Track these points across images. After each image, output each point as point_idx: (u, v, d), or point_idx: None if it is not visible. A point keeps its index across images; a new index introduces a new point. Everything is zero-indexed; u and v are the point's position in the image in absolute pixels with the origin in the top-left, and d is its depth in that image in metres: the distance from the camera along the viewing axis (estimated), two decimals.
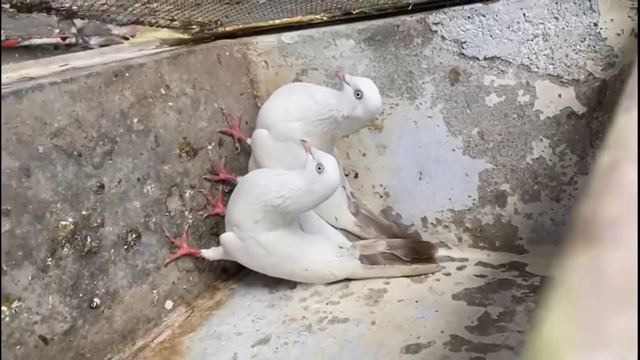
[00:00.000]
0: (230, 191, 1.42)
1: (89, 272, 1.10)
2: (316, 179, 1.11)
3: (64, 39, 2.25)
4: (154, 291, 1.24)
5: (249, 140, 1.43)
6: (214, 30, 1.51)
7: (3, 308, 0.96)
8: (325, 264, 1.28)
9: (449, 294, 1.19)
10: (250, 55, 1.47)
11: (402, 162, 1.35)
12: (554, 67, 1.11)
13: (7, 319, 0.96)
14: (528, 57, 1.13)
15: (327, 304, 1.24)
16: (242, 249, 1.23)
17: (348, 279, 1.31)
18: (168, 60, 1.28)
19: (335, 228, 1.37)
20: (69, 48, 2.33)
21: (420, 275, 1.28)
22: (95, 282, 1.11)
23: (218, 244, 1.38)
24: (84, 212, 1.09)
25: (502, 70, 1.17)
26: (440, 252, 1.35)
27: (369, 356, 1.03)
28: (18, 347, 0.98)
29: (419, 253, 1.30)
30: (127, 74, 1.18)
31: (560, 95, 1.12)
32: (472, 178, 1.28)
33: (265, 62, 1.46)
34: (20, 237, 0.98)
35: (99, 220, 1.12)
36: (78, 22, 2.28)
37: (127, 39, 1.98)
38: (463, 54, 1.20)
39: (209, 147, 1.38)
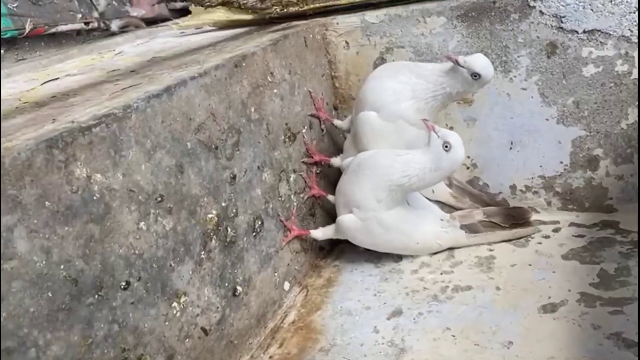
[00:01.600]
0: (321, 172, 1.46)
1: (230, 262, 1.13)
2: (443, 156, 1.16)
3: (87, 23, 2.17)
4: (276, 274, 1.27)
5: (335, 121, 1.46)
6: (289, 10, 1.51)
7: (174, 304, 0.98)
8: (434, 236, 1.34)
9: (558, 255, 1.28)
10: (329, 36, 1.49)
11: (492, 133, 1.42)
12: None
13: (178, 314, 0.99)
14: (629, 29, 1.20)
15: (441, 273, 1.30)
16: (362, 229, 1.27)
17: (451, 249, 1.37)
18: (271, 47, 1.28)
19: (431, 200, 1.42)
20: (89, 33, 2.25)
21: (520, 238, 1.36)
22: (235, 271, 1.14)
23: (316, 222, 1.43)
24: (223, 204, 1.11)
25: (601, 42, 1.23)
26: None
27: (510, 318, 1.11)
28: (187, 340, 1.00)
29: (516, 218, 1.37)
30: (244, 64, 1.18)
31: None
32: (565, 145, 1.35)
33: (346, 42, 1.48)
34: (181, 234, 1.00)
35: (234, 211, 1.14)
36: (100, 6, 2.20)
37: (164, 20, 1.93)
38: (562, 27, 1.25)
39: (303, 130, 1.41)
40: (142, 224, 0.92)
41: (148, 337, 0.92)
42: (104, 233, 0.85)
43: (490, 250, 1.35)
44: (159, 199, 0.95)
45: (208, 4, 1.35)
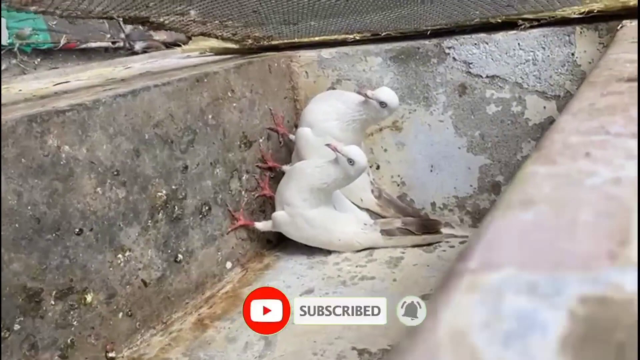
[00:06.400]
0: (275, 177, 1.75)
1: (175, 234, 1.41)
2: (350, 168, 1.43)
3: (113, 43, 2.55)
4: (219, 253, 1.55)
5: (291, 136, 1.75)
6: (263, 43, 1.82)
7: (119, 255, 1.27)
8: (353, 235, 1.60)
9: (454, 260, 1.51)
10: (293, 66, 1.79)
11: (417, 157, 1.68)
12: (540, 85, 1.44)
13: (122, 264, 1.27)
14: (521, 77, 1.46)
15: (356, 266, 1.55)
16: (291, 224, 1.55)
17: (372, 248, 1.63)
18: (234, 69, 1.59)
19: (360, 208, 1.69)
20: (116, 51, 2.64)
21: (429, 244, 1.60)
22: (179, 242, 1.42)
23: (265, 218, 1.70)
24: (173, 187, 1.40)
25: (500, 86, 1.49)
26: (445, 231, 1.66)
27: (394, 302, 1.35)
28: (128, 286, 1.29)
29: (428, 228, 1.62)
30: (205, 80, 1.49)
31: (544, 107, 1.46)
32: (474, 171, 1.60)
33: (306, 72, 1.78)
34: (132, 203, 1.29)
35: (183, 194, 1.43)
36: (126, 29, 2.59)
37: (179, 45, 2.27)
38: (470, 72, 1.52)
39: (260, 140, 1.70)
40: (98, 189, 1.22)
41: (93, 276, 1.21)
42: (66, 190, 1.15)
43: (403, 252, 1.60)
44: (116, 172, 1.25)
45: (191, 34, 1.66)
